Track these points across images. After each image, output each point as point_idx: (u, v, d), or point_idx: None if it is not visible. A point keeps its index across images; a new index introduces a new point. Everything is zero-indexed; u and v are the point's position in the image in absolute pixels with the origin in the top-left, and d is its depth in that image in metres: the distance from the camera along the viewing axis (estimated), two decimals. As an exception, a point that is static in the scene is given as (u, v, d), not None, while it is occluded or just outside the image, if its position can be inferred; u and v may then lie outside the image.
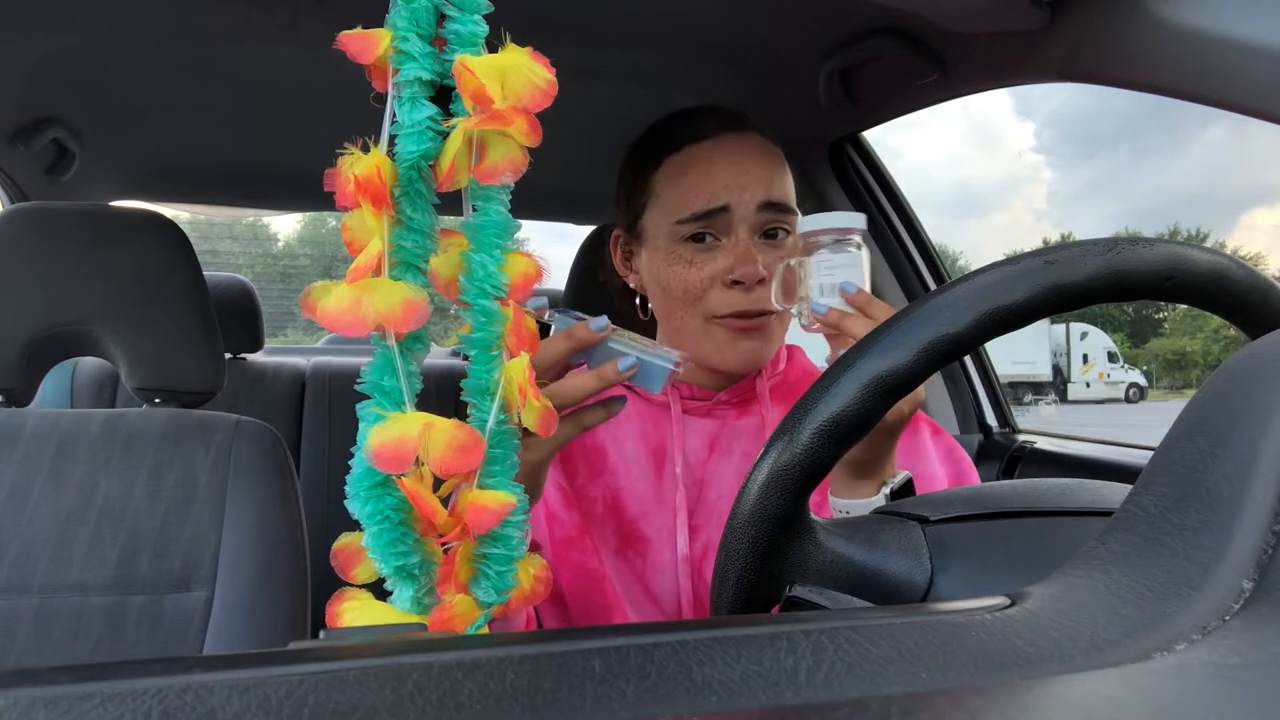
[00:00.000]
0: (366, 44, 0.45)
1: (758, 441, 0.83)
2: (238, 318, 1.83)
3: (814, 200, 1.53)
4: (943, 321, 0.40)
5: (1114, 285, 0.42)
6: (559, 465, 0.81)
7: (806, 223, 0.71)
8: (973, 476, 0.84)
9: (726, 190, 0.79)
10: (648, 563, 0.78)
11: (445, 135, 0.45)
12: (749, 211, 0.78)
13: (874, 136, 1.48)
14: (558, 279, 0.91)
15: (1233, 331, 0.55)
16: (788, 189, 0.82)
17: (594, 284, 1.04)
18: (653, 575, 0.78)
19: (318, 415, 1.83)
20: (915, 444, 0.82)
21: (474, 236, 0.47)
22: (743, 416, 0.84)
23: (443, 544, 0.47)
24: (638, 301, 0.88)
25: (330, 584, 0.50)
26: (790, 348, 0.91)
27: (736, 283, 0.77)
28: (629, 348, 0.60)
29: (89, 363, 1.72)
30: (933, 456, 0.82)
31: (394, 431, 0.43)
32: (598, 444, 0.83)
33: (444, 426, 0.43)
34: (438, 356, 2.32)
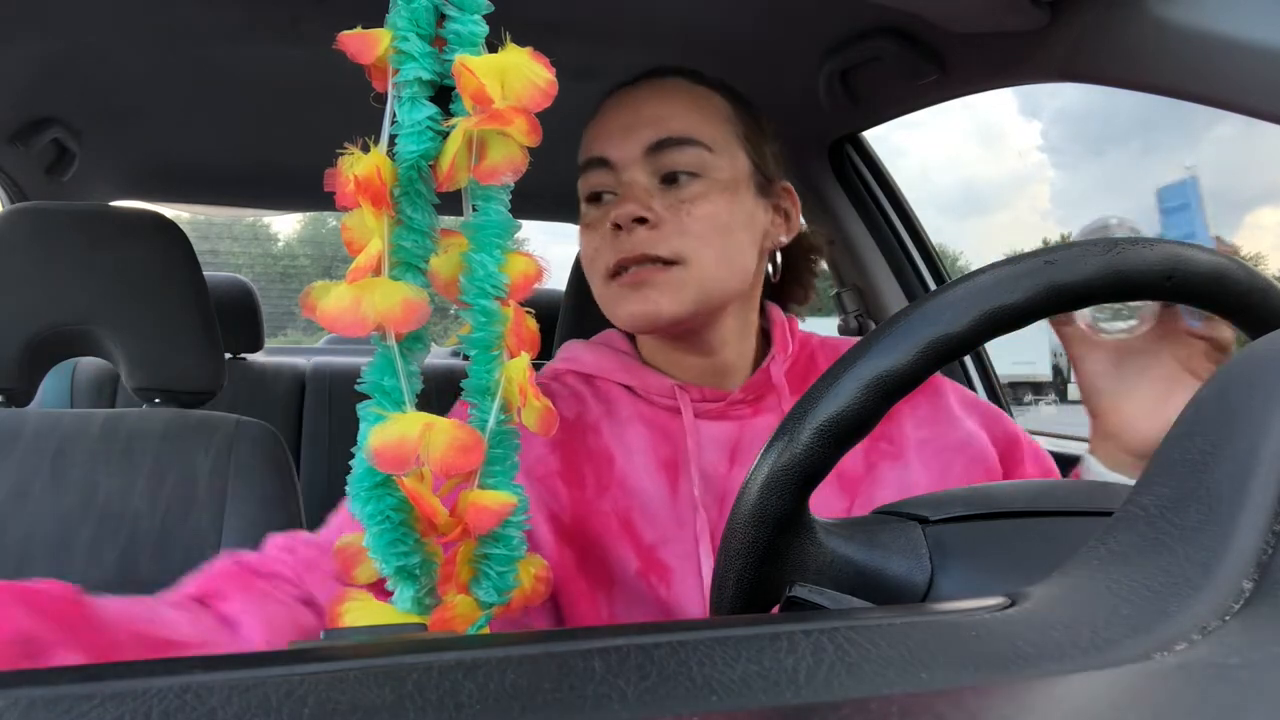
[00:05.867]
0: (366, 44, 0.45)
1: None
2: (238, 318, 1.83)
3: (814, 200, 1.53)
4: (943, 321, 0.40)
5: (1114, 285, 0.42)
6: (562, 479, 0.72)
7: None
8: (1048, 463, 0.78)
9: (609, 138, 0.72)
10: (673, 591, 0.69)
11: (445, 135, 0.45)
12: (635, 156, 0.71)
13: (877, 135, 1.48)
14: (558, 279, 0.90)
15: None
16: (692, 124, 0.72)
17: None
18: (678, 605, 0.70)
19: (318, 415, 1.83)
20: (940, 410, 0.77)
21: (474, 236, 0.47)
22: (759, 413, 0.76)
23: (443, 544, 0.47)
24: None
25: (330, 584, 0.50)
26: (790, 320, 0.83)
27: (618, 228, 0.70)
28: None
29: (89, 363, 1.72)
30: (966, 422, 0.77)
31: (394, 431, 0.43)
32: (604, 449, 0.74)
33: (444, 426, 0.43)
34: (438, 356, 2.33)
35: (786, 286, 0.86)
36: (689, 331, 0.74)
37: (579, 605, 0.68)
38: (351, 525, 0.61)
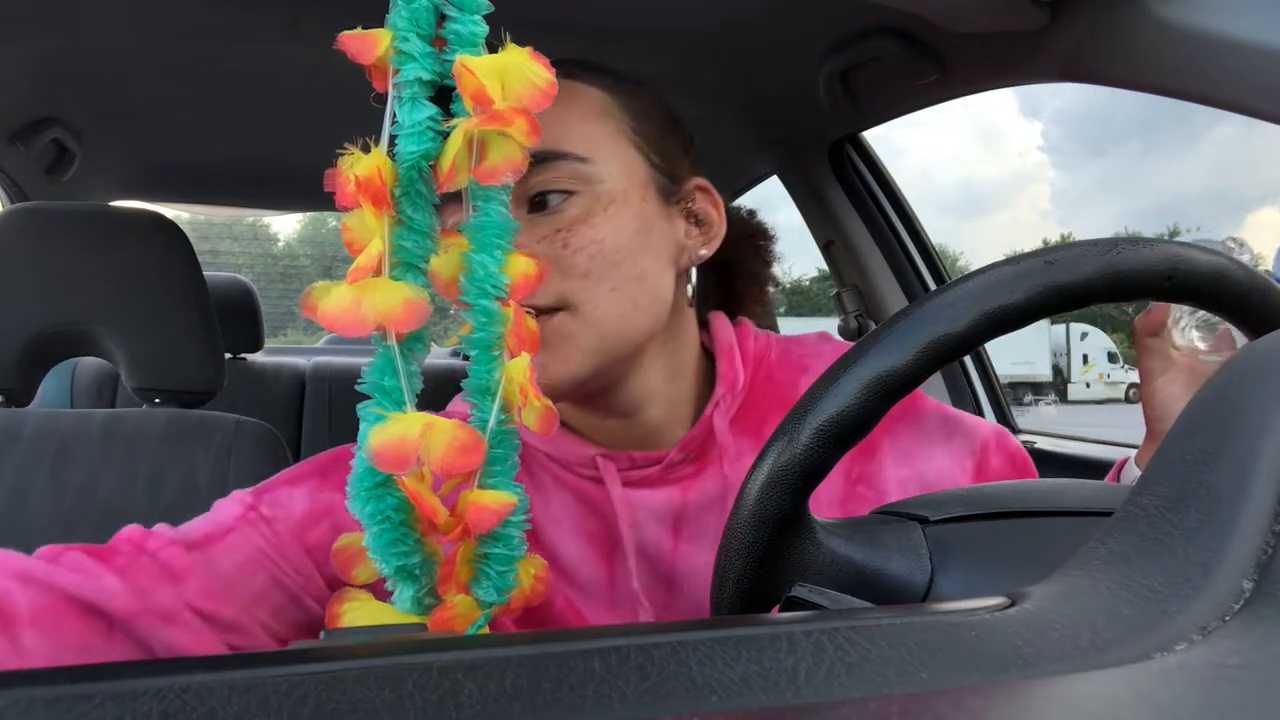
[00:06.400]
0: (366, 44, 0.45)
1: (725, 510, 0.59)
2: (238, 318, 1.83)
3: (814, 200, 1.53)
4: (943, 321, 0.40)
5: (1114, 285, 0.42)
6: None
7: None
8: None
9: None
10: None
11: (445, 136, 0.45)
12: None
13: (877, 135, 1.48)
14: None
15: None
16: (556, 132, 0.57)
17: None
18: None
19: (318, 415, 1.83)
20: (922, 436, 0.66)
21: (474, 237, 0.47)
22: (705, 470, 0.63)
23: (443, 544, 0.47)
24: None
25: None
26: (741, 333, 0.67)
27: None
28: None
29: (89, 363, 1.72)
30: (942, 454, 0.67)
31: (394, 431, 0.43)
32: (534, 523, 0.60)
33: (444, 426, 0.43)
34: (438, 356, 2.33)
35: (736, 289, 0.73)
36: (600, 391, 0.61)
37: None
38: (217, 521, 0.57)
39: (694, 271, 0.66)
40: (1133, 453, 0.66)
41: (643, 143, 0.62)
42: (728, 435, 0.62)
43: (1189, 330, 0.60)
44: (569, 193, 0.57)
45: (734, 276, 0.73)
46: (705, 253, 0.65)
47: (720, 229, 0.66)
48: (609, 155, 0.59)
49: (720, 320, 0.68)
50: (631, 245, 0.58)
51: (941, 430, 0.68)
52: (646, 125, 0.62)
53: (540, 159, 0.56)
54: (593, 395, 0.61)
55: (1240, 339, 0.58)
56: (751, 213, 0.75)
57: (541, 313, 0.56)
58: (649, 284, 0.59)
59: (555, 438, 0.63)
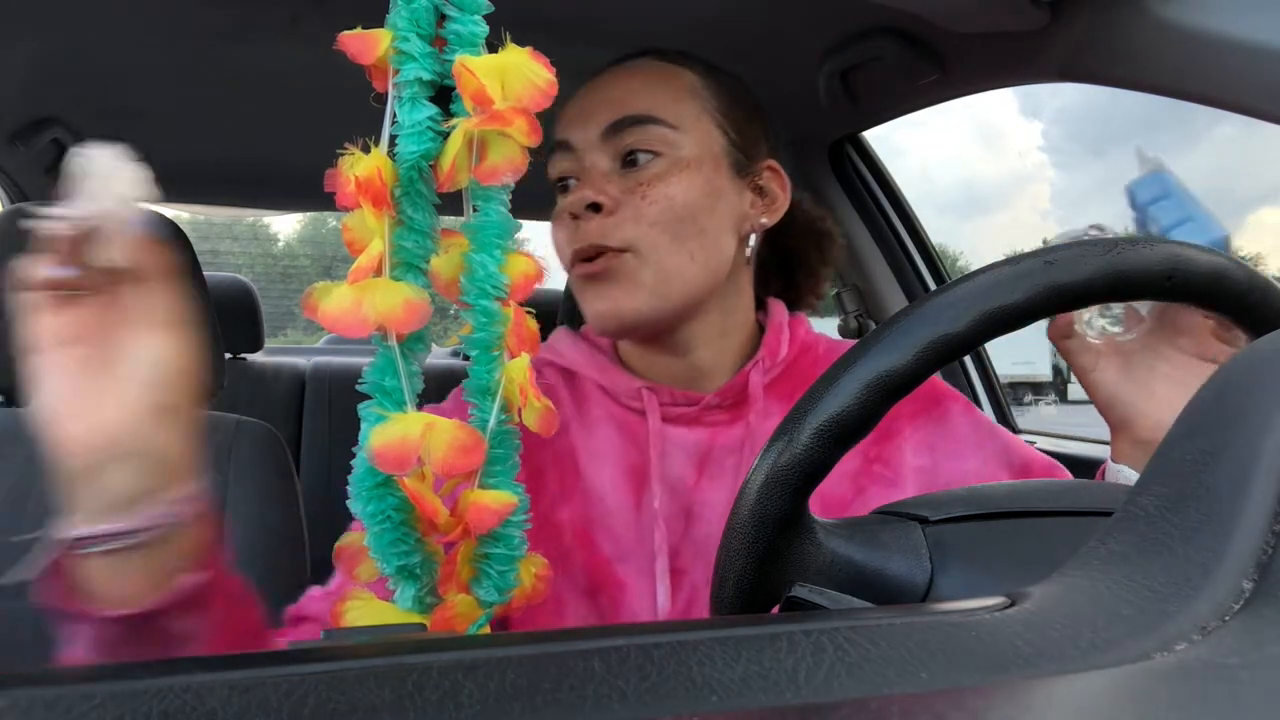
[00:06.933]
0: (367, 44, 0.45)
1: (750, 457, 0.69)
2: (238, 318, 1.84)
3: (814, 200, 1.53)
4: (943, 321, 0.40)
5: (1114, 285, 0.42)
6: (525, 482, 0.69)
7: None
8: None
9: (570, 122, 0.69)
10: (621, 614, 0.66)
11: (445, 136, 0.45)
12: (593, 139, 0.68)
13: (877, 135, 1.48)
14: (557, 279, 0.89)
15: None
16: (653, 101, 0.68)
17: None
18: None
19: (318, 415, 1.83)
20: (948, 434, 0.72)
21: (474, 237, 0.47)
22: (736, 421, 0.71)
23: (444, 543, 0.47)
24: None
25: (330, 584, 0.50)
26: (795, 320, 0.77)
27: (574, 218, 0.67)
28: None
29: (89, 363, 1.72)
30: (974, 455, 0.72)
31: (395, 432, 0.43)
32: (570, 452, 0.70)
33: (445, 427, 0.43)
34: (438, 356, 2.33)
35: (795, 280, 0.81)
36: (660, 332, 0.70)
37: (509, 626, 0.62)
38: None
39: (753, 239, 0.74)
40: None
41: (725, 122, 0.71)
42: (759, 390, 0.70)
43: (1095, 320, 0.62)
44: (655, 154, 0.67)
45: (795, 268, 0.81)
46: (766, 221, 0.73)
47: (783, 204, 0.74)
48: (693, 127, 0.68)
49: (778, 304, 0.77)
50: (699, 205, 0.67)
51: (974, 435, 0.72)
52: (733, 109, 0.71)
53: (636, 120, 0.67)
54: (653, 335, 0.70)
55: (1142, 308, 0.60)
56: (823, 216, 0.83)
57: (613, 252, 0.65)
58: (708, 240, 0.68)
59: (609, 370, 0.72)
